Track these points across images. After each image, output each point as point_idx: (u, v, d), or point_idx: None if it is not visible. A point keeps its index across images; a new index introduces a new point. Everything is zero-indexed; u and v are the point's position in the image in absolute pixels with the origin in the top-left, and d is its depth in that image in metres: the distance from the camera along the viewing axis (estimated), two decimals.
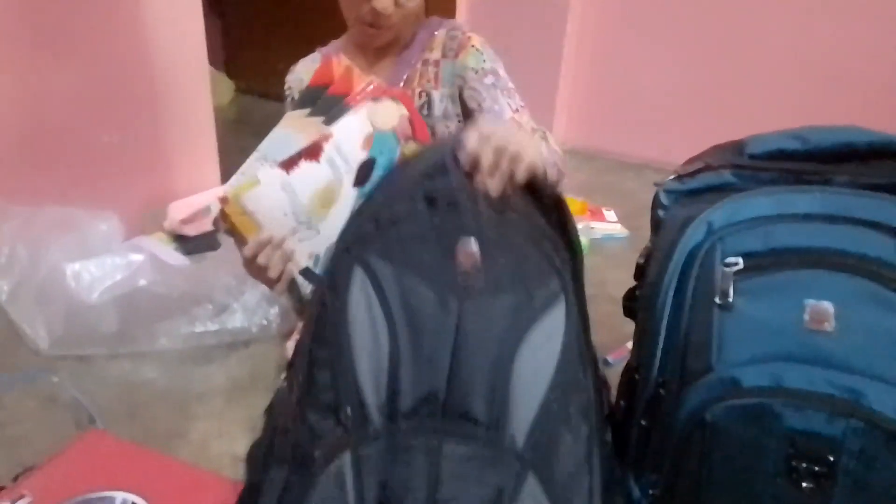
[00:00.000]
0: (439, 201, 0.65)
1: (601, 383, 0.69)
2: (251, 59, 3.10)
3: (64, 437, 0.91)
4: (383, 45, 1.13)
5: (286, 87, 1.25)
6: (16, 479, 0.81)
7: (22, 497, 0.78)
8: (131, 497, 0.79)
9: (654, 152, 2.35)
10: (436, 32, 1.15)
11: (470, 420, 0.57)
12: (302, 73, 1.23)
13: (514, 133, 0.70)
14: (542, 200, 0.71)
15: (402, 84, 1.17)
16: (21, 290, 1.14)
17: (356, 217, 0.68)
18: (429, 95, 1.18)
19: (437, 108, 1.19)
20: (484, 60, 1.14)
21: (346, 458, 0.57)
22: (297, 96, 1.22)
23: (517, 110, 1.13)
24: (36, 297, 1.12)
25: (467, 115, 1.18)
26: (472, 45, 1.14)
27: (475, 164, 0.66)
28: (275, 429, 0.66)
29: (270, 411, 0.71)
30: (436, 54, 1.16)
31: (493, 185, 0.66)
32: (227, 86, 3.04)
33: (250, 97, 3.09)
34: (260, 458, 0.67)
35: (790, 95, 2.10)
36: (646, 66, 2.36)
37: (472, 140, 0.67)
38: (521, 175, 0.67)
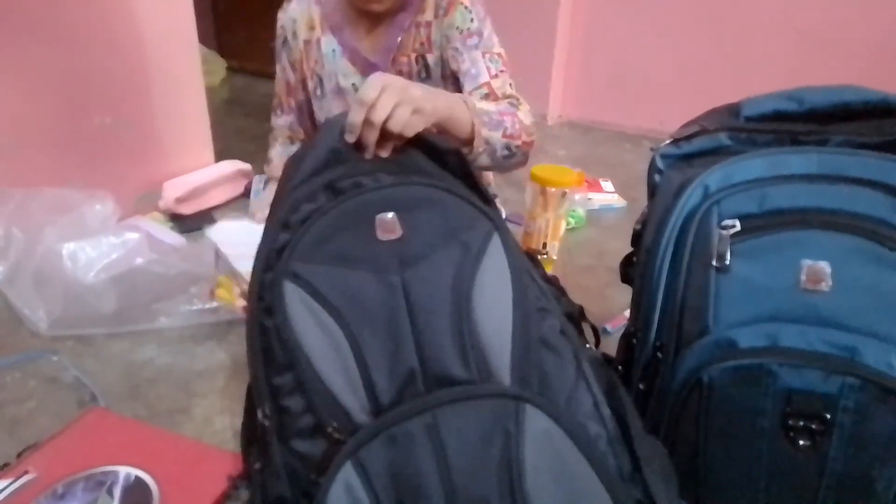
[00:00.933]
0: (341, 187, 0.64)
1: (569, 305, 0.70)
2: (243, 38, 3.07)
3: (66, 416, 0.91)
4: (383, 11, 1.11)
5: (278, 25, 1.24)
6: (19, 456, 0.82)
7: (25, 473, 0.79)
8: (135, 471, 0.80)
9: (651, 122, 2.33)
10: None
11: (453, 383, 0.57)
12: (296, 13, 1.22)
13: (410, 85, 0.70)
14: (446, 161, 0.71)
15: (396, 50, 1.15)
16: (18, 272, 1.14)
17: (266, 231, 0.64)
18: (424, 59, 1.16)
19: (435, 72, 1.17)
20: (471, 20, 1.11)
21: (349, 468, 0.55)
22: (289, 39, 1.22)
23: (496, 75, 1.11)
24: (33, 279, 1.11)
25: (455, 80, 1.15)
26: (461, 3, 1.11)
27: (370, 115, 0.65)
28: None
29: (250, 393, 0.70)
30: (427, 15, 1.14)
31: (389, 132, 0.66)
32: (219, 65, 3.01)
33: (243, 76, 3.06)
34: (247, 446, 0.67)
35: (784, 61, 2.08)
36: (641, 36, 2.33)
37: (368, 89, 0.66)
38: (416, 124, 0.68)
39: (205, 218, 1.56)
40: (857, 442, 0.58)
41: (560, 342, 0.61)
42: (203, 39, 1.77)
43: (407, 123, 0.68)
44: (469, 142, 0.91)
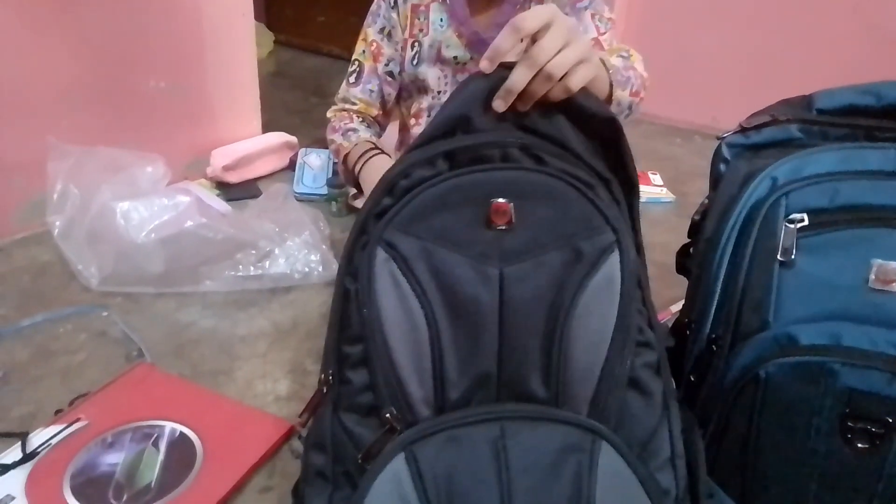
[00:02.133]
0: (462, 158, 0.57)
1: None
2: (291, 12, 3.08)
3: (114, 370, 0.94)
4: None
5: None
6: (72, 403, 0.84)
7: (78, 420, 0.81)
8: (180, 427, 0.82)
9: (704, 118, 2.28)
10: None
11: (528, 399, 0.53)
12: None
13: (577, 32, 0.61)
14: (596, 131, 0.61)
15: None
16: (73, 228, 1.16)
17: (372, 192, 0.59)
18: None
19: None
20: None
21: (401, 460, 0.50)
22: (398, 2, 1.17)
23: (604, 32, 1.08)
24: (87, 235, 1.14)
25: None
26: None
27: (532, 50, 0.55)
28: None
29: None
30: None
31: (547, 79, 0.55)
32: (267, 38, 3.03)
33: (289, 50, 3.08)
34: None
35: (851, 59, 2.00)
36: (697, 28, 2.27)
37: (529, 18, 0.55)
38: (585, 75, 0.57)
39: (250, 188, 1.58)
40: None
41: (652, 382, 0.56)
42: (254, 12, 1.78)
43: (576, 72, 0.56)
44: (606, 103, 0.80)
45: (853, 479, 0.59)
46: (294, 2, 3.06)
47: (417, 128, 1.30)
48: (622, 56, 0.98)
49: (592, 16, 1.07)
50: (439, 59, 1.18)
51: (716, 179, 0.74)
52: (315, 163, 1.62)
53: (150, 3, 1.44)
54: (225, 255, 1.17)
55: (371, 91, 1.26)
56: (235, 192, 1.54)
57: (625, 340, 0.54)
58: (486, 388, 0.53)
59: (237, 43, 1.66)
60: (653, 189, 1.69)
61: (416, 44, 1.19)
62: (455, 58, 1.17)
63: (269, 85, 2.52)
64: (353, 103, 1.27)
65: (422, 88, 1.23)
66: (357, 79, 1.25)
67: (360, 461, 0.53)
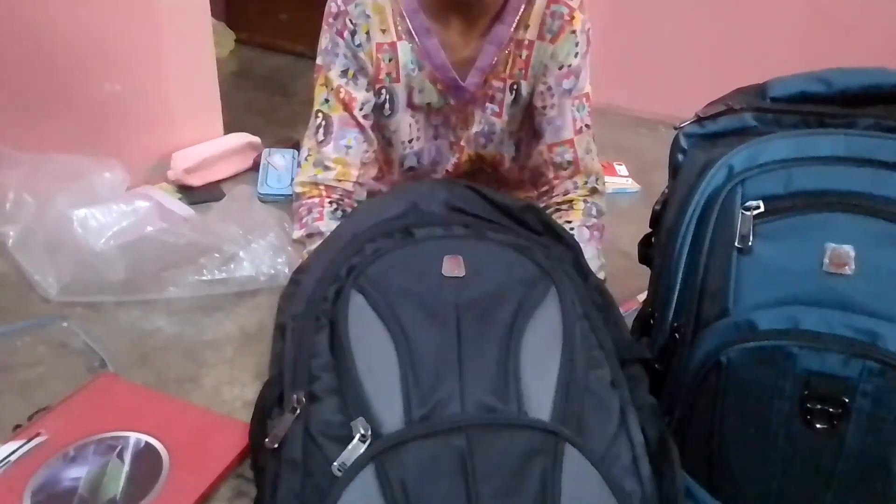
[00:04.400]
0: (416, 232, 0.70)
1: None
2: (252, 10, 3.03)
3: (75, 382, 0.91)
4: (477, 11, 0.94)
5: (345, 19, 0.95)
6: (31, 418, 0.82)
7: (38, 435, 0.79)
8: (145, 437, 0.80)
9: (667, 108, 2.29)
10: (535, 0, 0.96)
11: (490, 410, 0.56)
12: (369, 6, 0.96)
13: None
14: (521, 222, 0.76)
15: (489, 70, 0.98)
16: (29, 237, 1.13)
17: (342, 249, 0.70)
18: (517, 88, 1.00)
19: (522, 100, 1.02)
20: (576, 54, 1.00)
21: (369, 473, 0.53)
22: (358, 35, 0.95)
23: (580, 129, 1.01)
24: (44, 244, 1.11)
25: (530, 110, 1.02)
26: (572, 30, 0.98)
27: None
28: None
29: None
30: (531, 33, 0.97)
31: None
32: (228, 36, 2.97)
33: (251, 49, 3.03)
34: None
35: (806, 47, 2.04)
36: (659, 20, 2.30)
37: None
38: None
39: (213, 190, 1.55)
40: (875, 426, 0.58)
41: (607, 395, 0.62)
42: (212, 10, 1.75)
43: None
44: None
45: (814, 461, 0.61)
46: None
47: (388, 178, 1.17)
48: (591, 198, 1.04)
49: (574, 100, 1.01)
50: (410, 105, 1.03)
51: (674, 169, 0.75)
52: (279, 163, 1.60)
53: (103, 3, 1.40)
54: (188, 259, 1.15)
55: (347, 147, 1.01)
56: (198, 195, 1.51)
57: (574, 358, 0.61)
58: (449, 404, 0.56)
59: (195, 42, 1.63)
60: (618, 180, 1.70)
61: (385, 90, 1.01)
62: (429, 104, 1.03)
63: (231, 85, 2.47)
64: (328, 167, 1.02)
65: (390, 141, 1.08)
66: (326, 135, 1.01)
67: (331, 477, 0.54)
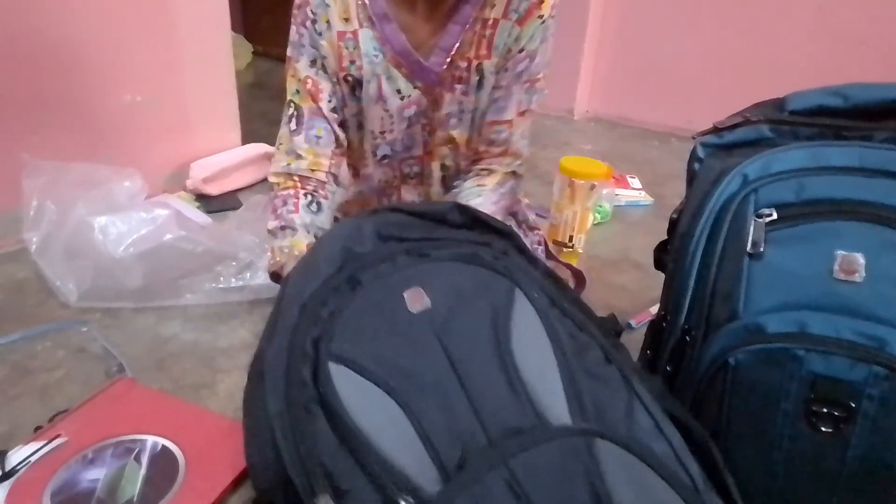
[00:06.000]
0: (362, 279, 0.66)
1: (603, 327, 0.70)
2: (270, 23, 3.08)
3: (94, 386, 0.93)
4: None
5: (305, 9, 0.97)
6: (51, 420, 0.83)
7: (58, 437, 0.80)
8: (162, 441, 0.81)
9: (679, 121, 2.31)
10: None
11: (515, 432, 0.56)
12: None
13: None
14: (450, 222, 0.76)
15: (454, 51, 0.97)
16: (50, 244, 1.15)
17: (295, 327, 0.63)
18: (481, 68, 0.98)
19: (488, 83, 0.99)
20: (540, 39, 0.97)
21: None
22: (318, 23, 0.96)
23: (522, 112, 1.00)
24: (64, 251, 1.13)
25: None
26: (540, 14, 0.95)
27: None
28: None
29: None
30: (496, 11, 0.95)
31: None
32: (245, 49, 3.02)
33: (268, 61, 3.07)
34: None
35: (818, 62, 2.05)
36: (672, 33, 2.31)
37: None
38: None
39: (230, 199, 1.58)
40: (879, 431, 0.58)
41: (606, 371, 0.62)
42: (231, 23, 1.78)
43: None
44: None
45: (818, 464, 0.61)
46: (271, 12, 3.05)
47: (363, 168, 1.15)
48: (511, 179, 1.05)
49: (524, 83, 0.99)
50: (380, 97, 1.01)
51: (691, 177, 0.76)
52: None
53: (124, 16, 1.43)
54: (205, 267, 1.17)
55: (317, 137, 1.02)
56: (215, 204, 1.54)
57: (564, 349, 0.62)
58: (475, 440, 0.56)
59: (214, 54, 1.66)
60: (631, 192, 1.70)
61: (350, 78, 1.00)
62: (398, 91, 1.01)
63: (248, 96, 2.51)
64: (300, 156, 1.03)
65: (359, 126, 1.07)
66: (298, 124, 1.02)
67: None
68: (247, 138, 1.79)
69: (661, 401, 0.62)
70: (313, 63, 1.00)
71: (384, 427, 0.56)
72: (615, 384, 0.61)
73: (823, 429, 0.59)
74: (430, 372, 0.59)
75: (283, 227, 1.00)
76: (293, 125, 1.03)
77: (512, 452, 0.54)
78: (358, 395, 0.57)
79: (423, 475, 0.54)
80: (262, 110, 2.30)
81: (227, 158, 1.63)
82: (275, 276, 1.01)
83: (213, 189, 1.57)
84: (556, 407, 0.58)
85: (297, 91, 1.02)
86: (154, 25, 1.50)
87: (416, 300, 0.63)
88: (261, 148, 1.72)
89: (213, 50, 1.65)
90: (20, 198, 1.18)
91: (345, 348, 0.60)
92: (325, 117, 1.02)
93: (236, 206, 1.49)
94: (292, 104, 1.03)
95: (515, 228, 1.04)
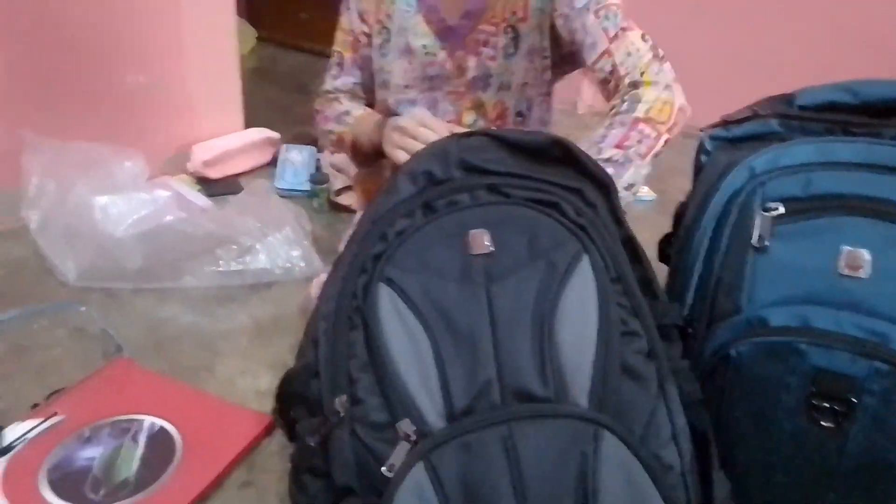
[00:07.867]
0: (437, 206, 0.67)
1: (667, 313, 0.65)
2: (273, 8, 3.06)
3: (91, 366, 0.92)
4: None
5: None
6: (48, 398, 0.83)
7: (55, 415, 0.80)
8: (160, 421, 0.81)
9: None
10: None
11: (530, 398, 0.57)
12: None
13: None
14: (547, 156, 0.70)
15: (481, 15, 1.00)
16: (49, 222, 1.15)
17: (363, 239, 0.67)
18: (515, 30, 1.00)
19: (523, 46, 1.01)
20: None
21: (420, 470, 0.54)
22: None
23: (615, 36, 0.94)
24: (64, 230, 1.12)
25: (558, 46, 1.01)
26: None
27: None
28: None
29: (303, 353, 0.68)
30: None
31: None
32: (250, 34, 3.00)
33: (271, 46, 3.06)
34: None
35: (824, 62, 2.04)
36: (676, 29, 2.29)
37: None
38: None
39: (231, 183, 1.57)
40: (880, 426, 0.58)
41: (645, 368, 0.60)
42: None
43: None
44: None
45: (819, 456, 0.60)
46: None
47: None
48: (628, 102, 0.89)
49: (596, 13, 0.93)
50: (408, 50, 1.07)
51: (698, 170, 0.75)
52: (297, 159, 1.61)
53: None
54: (205, 250, 1.16)
55: (355, 83, 1.17)
56: (216, 187, 1.53)
57: (609, 334, 0.59)
58: (488, 394, 0.57)
59: (219, 38, 1.65)
60: None
61: (384, 30, 1.08)
62: (424, 46, 1.06)
63: (251, 81, 2.49)
64: (339, 96, 1.17)
65: (384, 83, 1.13)
66: (340, 70, 1.16)
67: (383, 475, 0.55)
68: (249, 123, 1.78)
69: (688, 410, 0.61)
70: (358, 17, 1.11)
71: (411, 357, 0.59)
72: (647, 383, 0.60)
73: (824, 423, 0.59)
74: (468, 321, 0.59)
75: (338, 119, 1.13)
76: (335, 71, 1.17)
77: (518, 416, 0.55)
78: (397, 321, 0.60)
79: (432, 411, 0.57)
80: (264, 96, 2.29)
81: (228, 142, 1.62)
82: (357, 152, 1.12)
83: (214, 173, 1.56)
84: (578, 388, 0.57)
85: (343, 41, 1.15)
86: (159, 7, 1.48)
87: (479, 243, 0.63)
88: (263, 133, 1.71)
89: (218, 33, 1.64)
90: (18, 175, 1.17)
91: (398, 273, 0.62)
92: (362, 69, 1.15)
93: (237, 190, 1.48)
94: (337, 53, 1.16)
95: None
